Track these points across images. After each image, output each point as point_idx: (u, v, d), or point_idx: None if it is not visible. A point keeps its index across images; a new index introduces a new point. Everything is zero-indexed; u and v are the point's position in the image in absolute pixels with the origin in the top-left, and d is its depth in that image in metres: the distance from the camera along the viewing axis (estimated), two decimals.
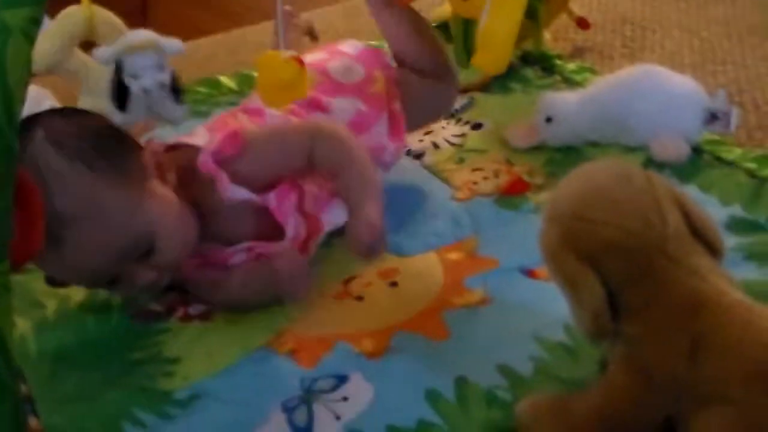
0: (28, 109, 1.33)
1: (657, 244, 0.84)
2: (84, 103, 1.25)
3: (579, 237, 0.86)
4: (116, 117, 1.15)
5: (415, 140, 1.40)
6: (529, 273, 1.10)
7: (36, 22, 0.74)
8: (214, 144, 1.07)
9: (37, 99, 1.40)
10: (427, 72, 1.32)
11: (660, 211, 0.85)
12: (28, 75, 0.74)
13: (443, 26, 1.70)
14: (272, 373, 0.98)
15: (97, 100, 1.21)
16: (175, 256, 1.05)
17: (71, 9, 1.16)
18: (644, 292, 0.84)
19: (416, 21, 1.35)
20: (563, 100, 1.35)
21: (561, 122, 1.33)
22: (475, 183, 1.29)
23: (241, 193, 1.07)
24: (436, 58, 1.33)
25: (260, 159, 1.09)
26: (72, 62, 1.25)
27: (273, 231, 1.09)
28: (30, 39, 0.73)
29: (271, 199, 1.08)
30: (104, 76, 1.18)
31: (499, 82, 1.55)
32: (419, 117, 1.33)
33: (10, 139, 0.72)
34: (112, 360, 1.03)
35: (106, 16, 1.18)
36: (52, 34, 1.18)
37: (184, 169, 1.08)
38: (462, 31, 1.57)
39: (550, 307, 1.01)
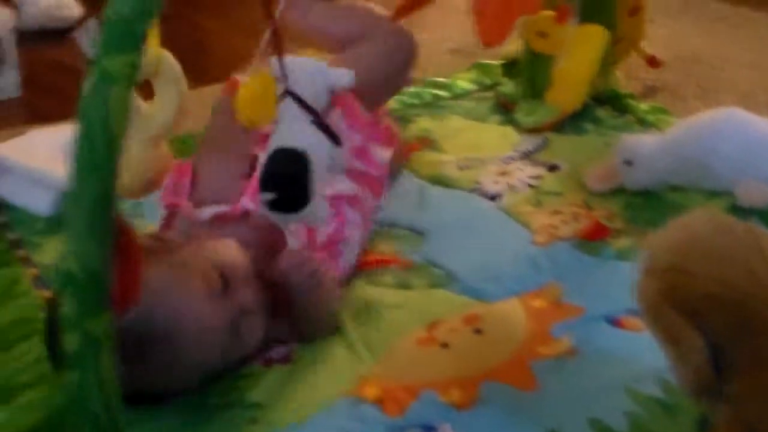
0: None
1: (763, 297, 0.82)
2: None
3: (679, 291, 0.84)
4: None
5: (490, 181, 1.38)
6: (616, 322, 1.08)
7: (135, 67, 0.74)
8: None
9: None
10: (373, 37, 1.34)
11: (765, 262, 0.83)
12: (128, 120, 0.74)
13: (510, 65, 1.70)
14: (359, 421, 0.97)
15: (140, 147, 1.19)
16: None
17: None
18: (751, 348, 0.81)
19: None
20: (643, 143, 1.33)
21: (641, 166, 1.31)
22: (554, 227, 1.27)
23: (207, 212, 1.10)
24: (371, 20, 1.37)
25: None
26: None
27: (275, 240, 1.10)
28: (130, 84, 0.74)
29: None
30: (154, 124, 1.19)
31: (571, 122, 1.53)
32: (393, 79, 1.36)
33: (110, 185, 0.72)
34: (191, 404, 1.01)
35: (169, 57, 1.18)
36: None
37: None
38: (532, 67, 1.56)
39: (642, 358, 0.99)
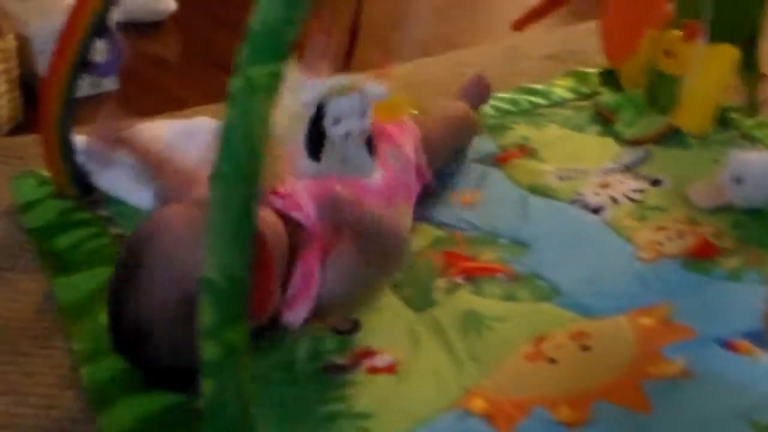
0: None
1: None
2: None
3: None
4: (306, 166, 1.13)
5: (591, 193, 1.36)
6: (729, 346, 1.06)
7: (279, 77, 0.74)
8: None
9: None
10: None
11: None
12: (269, 129, 0.74)
13: (608, 74, 1.67)
14: None
15: None
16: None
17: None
18: None
19: None
20: (754, 160, 1.30)
21: (751, 184, 1.28)
22: (659, 243, 1.25)
23: None
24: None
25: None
26: None
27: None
28: (272, 94, 0.74)
29: None
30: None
31: (674, 136, 1.50)
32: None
33: (254, 194, 0.72)
34: (302, 413, 1.02)
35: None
36: None
37: None
38: (656, 86, 1.53)
39: (761, 386, 0.96)
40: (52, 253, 1.27)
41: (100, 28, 1.15)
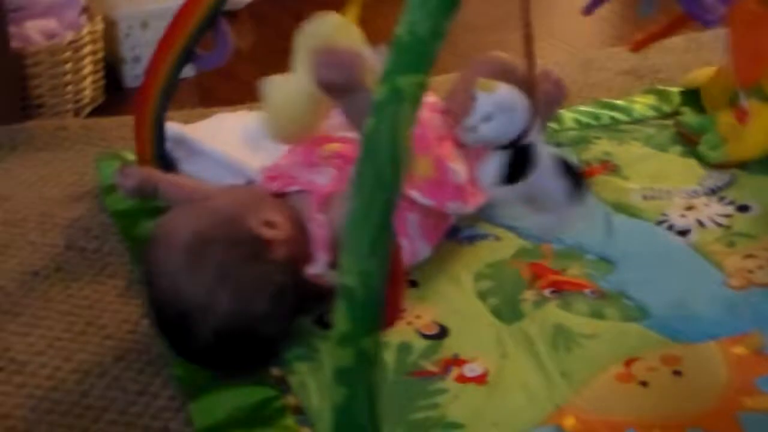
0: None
1: None
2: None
3: None
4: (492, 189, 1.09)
5: (677, 215, 1.35)
6: None
7: (423, 87, 0.74)
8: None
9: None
10: None
11: None
12: (409, 139, 0.74)
13: (691, 93, 1.66)
14: None
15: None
16: None
17: (330, 16, 1.14)
18: None
19: None
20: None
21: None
22: (749, 271, 1.23)
23: None
24: None
25: None
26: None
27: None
28: (417, 105, 0.73)
29: None
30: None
31: (759, 161, 1.49)
32: None
33: (394, 204, 0.72)
34: (392, 418, 1.01)
35: (353, 32, 1.13)
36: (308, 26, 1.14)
37: None
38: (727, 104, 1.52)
39: None
40: (137, 237, 1.28)
41: (213, 19, 1.15)
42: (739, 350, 1.10)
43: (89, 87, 1.62)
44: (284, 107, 1.13)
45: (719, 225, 1.34)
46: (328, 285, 1.08)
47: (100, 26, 1.62)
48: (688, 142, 1.55)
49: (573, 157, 1.47)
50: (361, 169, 0.71)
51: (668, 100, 1.68)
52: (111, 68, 1.69)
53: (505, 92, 0.98)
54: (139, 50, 1.72)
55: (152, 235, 1.07)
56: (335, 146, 1.20)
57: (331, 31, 1.11)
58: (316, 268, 1.07)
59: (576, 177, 1.03)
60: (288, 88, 1.12)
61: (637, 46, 1.51)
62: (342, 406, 0.71)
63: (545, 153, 1.01)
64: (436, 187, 1.19)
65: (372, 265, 0.70)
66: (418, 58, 0.72)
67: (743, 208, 1.38)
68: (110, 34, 1.67)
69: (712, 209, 1.37)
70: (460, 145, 1.26)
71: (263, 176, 1.21)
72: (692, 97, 1.66)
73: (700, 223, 1.34)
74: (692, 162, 1.50)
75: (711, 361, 1.09)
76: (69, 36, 1.54)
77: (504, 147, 0.99)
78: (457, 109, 1.27)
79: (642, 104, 1.68)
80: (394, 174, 0.71)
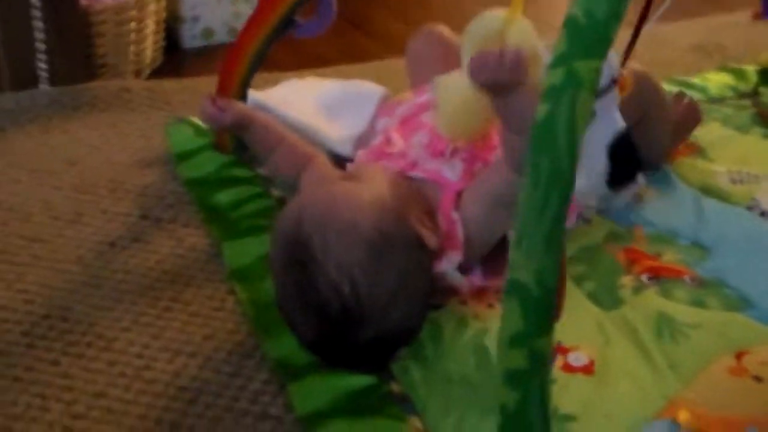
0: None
1: None
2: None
3: None
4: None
5: (766, 198, 1.31)
6: None
7: (599, 73, 0.69)
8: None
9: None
10: None
11: None
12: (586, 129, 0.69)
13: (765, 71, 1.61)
14: None
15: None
16: None
17: (492, 13, 1.08)
18: None
19: None
20: None
21: None
22: None
23: None
24: None
25: None
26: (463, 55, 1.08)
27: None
28: (594, 90, 0.69)
29: None
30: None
31: None
32: None
33: (570, 192, 0.67)
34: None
35: (525, 32, 1.08)
36: (474, 22, 1.09)
37: None
38: None
39: None
40: (214, 208, 1.23)
41: None
42: None
43: (150, 48, 1.56)
44: (456, 107, 1.07)
45: None
46: (446, 283, 1.04)
47: None
48: None
49: None
50: (536, 160, 0.67)
51: (744, 78, 1.63)
52: (169, 29, 1.63)
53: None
54: (200, 9, 1.66)
55: (306, 214, 0.96)
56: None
57: (497, 27, 1.05)
58: (447, 267, 1.02)
59: (629, 162, 0.98)
60: (458, 87, 1.05)
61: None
62: (513, 410, 0.67)
63: (610, 121, 0.96)
64: None
65: (548, 261, 0.66)
66: (596, 42, 0.67)
67: None
68: None
69: None
70: None
71: (368, 152, 1.16)
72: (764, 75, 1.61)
73: None
74: None
75: None
76: None
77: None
78: None
79: (717, 83, 1.63)
80: (572, 165, 0.66)
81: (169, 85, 1.50)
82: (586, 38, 0.67)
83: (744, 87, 1.61)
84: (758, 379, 1.01)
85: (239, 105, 1.20)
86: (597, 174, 1.01)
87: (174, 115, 1.42)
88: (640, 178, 1.25)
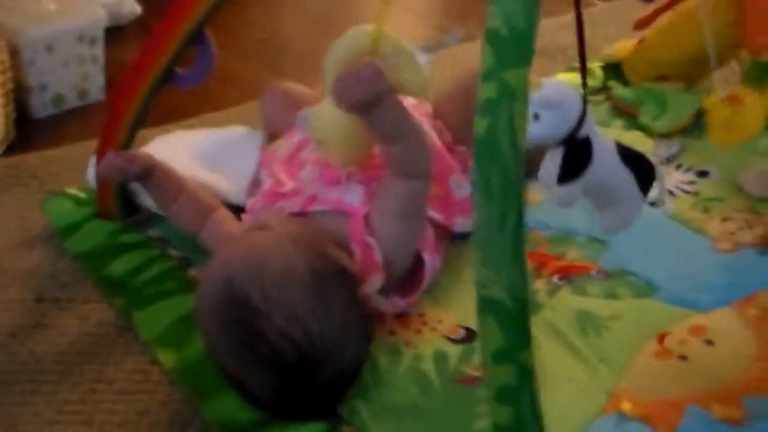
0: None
1: None
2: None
3: None
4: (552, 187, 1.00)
5: None
6: None
7: (527, 82, 0.71)
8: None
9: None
10: None
11: None
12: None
13: (614, 67, 1.69)
14: None
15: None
16: None
17: (360, 28, 1.08)
18: None
19: None
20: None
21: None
22: (732, 233, 1.27)
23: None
24: None
25: None
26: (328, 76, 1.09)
27: None
28: (527, 100, 0.71)
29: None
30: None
31: (697, 127, 1.53)
32: None
33: (523, 206, 0.69)
34: (457, 423, 0.98)
35: (395, 41, 1.09)
36: (337, 44, 1.11)
37: None
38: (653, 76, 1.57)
39: None
40: (111, 279, 1.18)
41: (198, 34, 1.06)
42: (753, 311, 1.13)
43: (2, 122, 1.48)
44: (335, 133, 1.08)
45: (687, 192, 1.37)
46: (371, 309, 1.04)
47: (6, 55, 1.48)
48: (626, 114, 1.58)
49: None
50: (485, 175, 0.68)
51: (593, 75, 1.70)
52: (17, 100, 1.55)
53: (550, 88, 0.96)
54: (47, 77, 1.58)
55: (234, 272, 0.94)
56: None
57: (359, 45, 1.06)
58: (370, 291, 1.02)
59: (643, 166, 1.02)
60: (330, 114, 1.05)
61: (642, 25, 1.52)
62: (508, 426, 0.67)
63: (605, 144, 0.99)
64: (442, 202, 1.17)
65: (515, 272, 0.67)
66: (521, 51, 0.70)
67: (703, 174, 1.42)
68: (13, 62, 1.52)
69: (674, 178, 1.41)
70: (453, 152, 1.24)
71: (260, 198, 1.14)
72: (613, 71, 1.70)
73: (670, 193, 1.37)
74: (637, 134, 1.53)
75: (734, 326, 1.11)
76: None
77: (560, 143, 0.96)
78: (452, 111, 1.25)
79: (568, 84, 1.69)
80: (521, 173, 0.68)
81: (31, 159, 1.42)
82: (511, 48, 0.69)
83: (593, 83, 1.68)
84: (683, 357, 1.07)
85: (140, 153, 1.17)
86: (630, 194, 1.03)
87: (43, 189, 1.35)
88: None
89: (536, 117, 0.93)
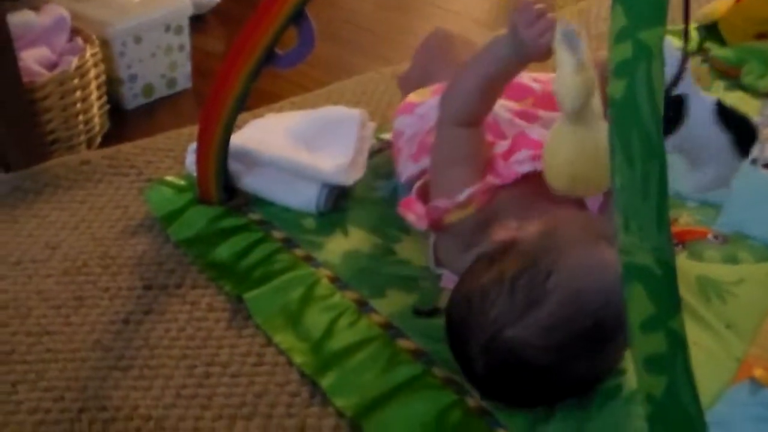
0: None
1: None
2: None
3: None
4: None
5: (756, 149, 1.31)
6: None
7: (663, 40, 0.68)
8: None
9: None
10: None
11: None
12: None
13: (711, 27, 1.64)
14: None
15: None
16: None
17: None
18: None
19: None
20: None
21: None
22: None
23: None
24: None
25: None
26: None
27: None
28: (663, 59, 0.67)
29: None
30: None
31: None
32: None
33: (665, 169, 0.65)
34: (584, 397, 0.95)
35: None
36: None
37: None
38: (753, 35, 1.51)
39: None
40: (218, 264, 1.17)
41: (298, 14, 1.04)
42: None
43: (97, 114, 1.49)
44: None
45: None
46: None
47: (98, 48, 1.49)
48: (728, 75, 1.53)
49: None
50: (625, 138, 0.64)
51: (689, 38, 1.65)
52: (109, 92, 1.55)
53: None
54: (136, 67, 1.59)
55: (561, 263, 0.90)
56: None
57: None
58: None
59: (742, 126, 0.98)
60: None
61: None
62: (662, 396, 0.64)
63: (704, 103, 0.95)
64: None
65: (662, 238, 0.64)
66: (656, 9, 0.66)
67: None
68: (103, 55, 1.53)
69: None
70: None
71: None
72: (711, 32, 1.64)
73: None
74: (741, 94, 1.48)
75: None
76: (74, 62, 1.40)
77: None
78: None
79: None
80: (660, 134, 0.64)
81: (127, 149, 1.42)
82: (644, 7, 0.65)
83: (690, 46, 1.63)
84: None
85: None
86: (721, 155, 0.98)
87: (141, 178, 1.35)
88: None
89: None
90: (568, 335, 0.87)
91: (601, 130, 0.88)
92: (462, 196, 1.01)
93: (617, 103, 0.65)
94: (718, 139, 0.97)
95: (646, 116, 0.64)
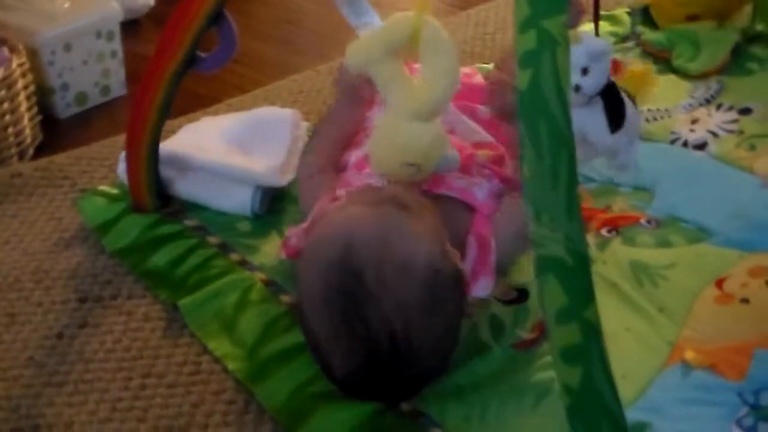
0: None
1: None
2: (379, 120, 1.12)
3: None
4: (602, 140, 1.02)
5: (686, 130, 1.34)
6: None
7: (566, 28, 0.68)
8: None
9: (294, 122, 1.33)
10: None
11: None
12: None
13: (643, 12, 1.65)
14: (703, 390, 0.92)
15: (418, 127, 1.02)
16: None
17: (401, 15, 1.04)
18: None
19: None
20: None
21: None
22: None
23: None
24: None
25: None
26: (381, 70, 1.03)
27: None
28: (567, 47, 0.67)
29: None
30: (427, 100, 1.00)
31: (735, 65, 1.49)
32: None
33: (574, 159, 0.66)
34: (518, 389, 0.95)
35: (435, 30, 1.04)
36: (374, 33, 1.05)
37: None
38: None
39: None
40: (154, 272, 1.16)
41: (217, 16, 1.03)
42: None
43: (28, 126, 1.46)
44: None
45: (731, 132, 1.33)
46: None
47: (25, 57, 1.46)
48: (660, 58, 1.54)
49: None
50: (533, 128, 0.65)
51: (620, 22, 1.66)
52: (40, 102, 1.53)
53: (591, 39, 0.92)
54: (67, 76, 1.57)
55: (357, 242, 0.89)
56: (486, 152, 1.11)
57: (407, 32, 1.01)
58: (481, 293, 1.00)
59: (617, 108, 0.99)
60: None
61: None
62: (579, 386, 0.65)
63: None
64: None
65: (573, 228, 0.64)
66: None
67: (745, 111, 1.38)
68: (32, 64, 1.51)
69: (716, 118, 1.37)
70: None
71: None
72: (640, 15, 1.65)
73: (713, 134, 1.33)
74: (673, 77, 1.50)
75: None
76: (0, 73, 1.38)
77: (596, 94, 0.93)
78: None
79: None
80: (569, 124, 0.65)
81: (60, 159, 1.40)
82: None
83: (622, 31, 1.64)
84: (745, 300, 1.03)
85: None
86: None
87: (75, 188, 1.33)
88: None
89: (585, 71, 0.90)
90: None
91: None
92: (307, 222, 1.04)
93: (523, 93, 0.66)
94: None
95: (554, 105, 0.65)
